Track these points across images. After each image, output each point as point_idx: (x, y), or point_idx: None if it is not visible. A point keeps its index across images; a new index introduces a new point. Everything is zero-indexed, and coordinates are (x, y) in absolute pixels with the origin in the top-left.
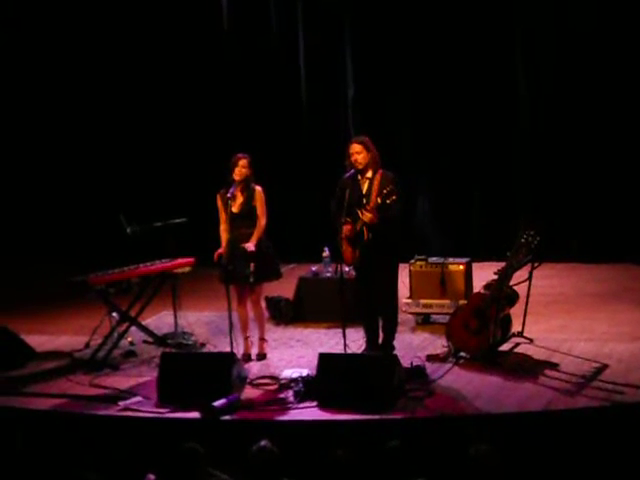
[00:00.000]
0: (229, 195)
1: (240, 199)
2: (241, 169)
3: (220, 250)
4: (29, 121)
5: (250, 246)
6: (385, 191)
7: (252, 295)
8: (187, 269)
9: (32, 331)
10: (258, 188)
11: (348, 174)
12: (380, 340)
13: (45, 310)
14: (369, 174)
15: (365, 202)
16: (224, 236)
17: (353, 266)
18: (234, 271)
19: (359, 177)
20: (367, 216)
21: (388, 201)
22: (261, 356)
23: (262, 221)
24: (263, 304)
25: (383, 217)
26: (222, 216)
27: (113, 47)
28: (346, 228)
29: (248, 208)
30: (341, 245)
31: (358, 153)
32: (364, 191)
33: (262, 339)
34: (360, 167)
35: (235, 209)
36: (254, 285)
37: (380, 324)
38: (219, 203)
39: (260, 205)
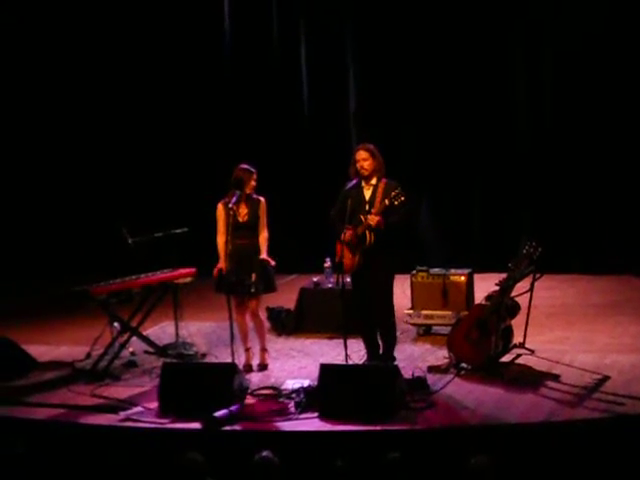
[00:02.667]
0: (231, 205)
1: (245, 209)
2: (253, 182)
3: (219, 265)
4: (28, 132)
5: (270, 260)
6: (393, 193)
7: (252, 306)
8: (188, 279)
9: (33, 341)
10: (262, 199)
11: (351, 184)
12: (381, 350)
13: (46, 320)
14: (373, 181)
15: (368, 208)
16: (224, 248)
17: (350, 274)
18: (235, 281)
19: (363, 184)
20: (374, 219)
21: (396, 202)
22: (262, 367)
23: (266, 232)
24: (263, 315)
25: (388, 222)
26: (221, 227)
27: (111, 56)
28: (348, 234)
29: (254, 219)
30: (339, 249)
31: (365, 160)
32: (367, 198)
33: (263, 349)
34: (366, 174)
35: (241, 219)
36: (254, 296)
37: (379, 335)
38: (221, 213)
39: (263, 216)
